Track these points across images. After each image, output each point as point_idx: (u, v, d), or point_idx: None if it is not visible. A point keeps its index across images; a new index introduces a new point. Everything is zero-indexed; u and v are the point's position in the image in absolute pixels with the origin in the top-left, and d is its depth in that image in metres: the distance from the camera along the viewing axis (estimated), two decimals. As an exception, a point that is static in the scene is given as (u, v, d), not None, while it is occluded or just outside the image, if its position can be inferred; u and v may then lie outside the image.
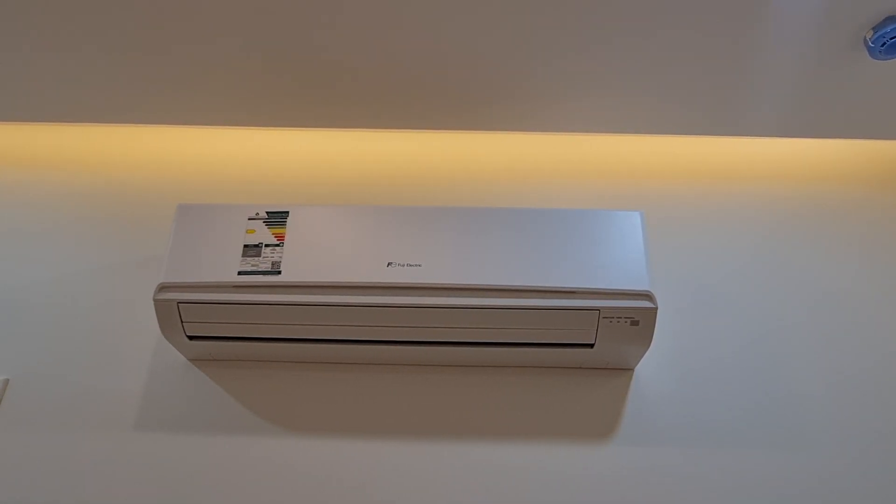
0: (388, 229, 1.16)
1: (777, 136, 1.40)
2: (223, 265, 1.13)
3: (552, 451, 1.18)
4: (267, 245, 1.15)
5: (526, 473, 1.16)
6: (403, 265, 1.12)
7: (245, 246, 1.15)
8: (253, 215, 1.17)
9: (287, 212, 1.18)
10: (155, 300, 1.12)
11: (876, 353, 1.27)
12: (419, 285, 1.11)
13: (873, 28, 1.13)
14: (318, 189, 1.43)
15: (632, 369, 1.25)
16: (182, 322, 1.14)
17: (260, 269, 1.12)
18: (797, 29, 1.15)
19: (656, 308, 1.10)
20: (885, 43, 1.12)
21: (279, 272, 1.12)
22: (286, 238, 1.15)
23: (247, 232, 1.16)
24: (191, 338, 1.17)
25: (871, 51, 1.14)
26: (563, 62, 1.22)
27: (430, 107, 1.33)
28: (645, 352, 1.17)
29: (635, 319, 1.11)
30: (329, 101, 1.32)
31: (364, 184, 1.44)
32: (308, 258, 1.13)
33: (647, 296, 1.11)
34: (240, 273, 1.12)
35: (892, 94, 1.27)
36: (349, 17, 1.14)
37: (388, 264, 1.12)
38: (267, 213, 1.18)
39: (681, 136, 1.43)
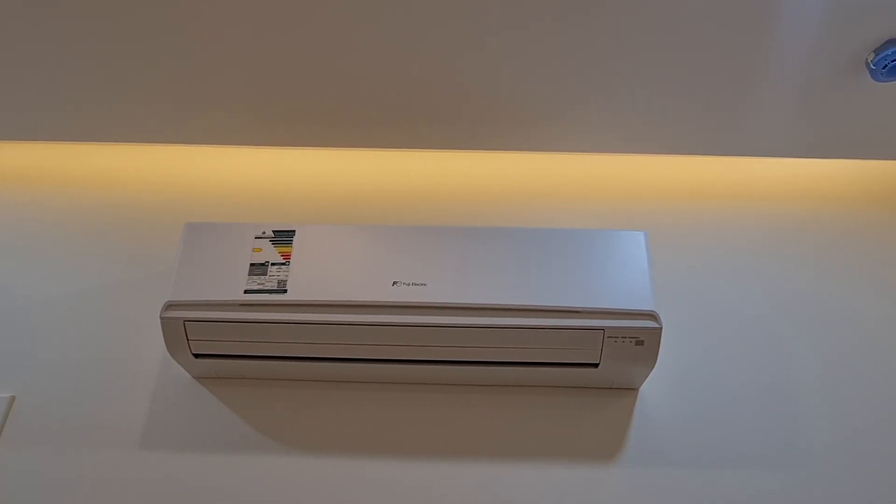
0: (393, 248, 1.17)
1: (780, 157, 1.41)
2: (230, 283, 1.13)
3: (556, 472, 1.17)
4: (273, 264, 1.15)
5: (529, 494, 1.15)
6: (408, 284, 1.13)
7: (251, 264, 1.15)
8: (259, 234, 1.18)
9: (293, 231, 1.19)
10: (161, 318, 1.12)
11: (885, 372, 1.26)
12: (424, 304, 1.11)
13: (875, 51, 1.14)
14: (324, 208, 1.44)
15: (636, 389, 1.24)
16: (188, 340, 1.14)
17: (266, 288, 1.13)
18: (799, 51, 1.16)
19: (661, 328, 1.11)
20: (886, 65, 1.13)
21: (285, 291, 1.13)
22: (292, 257, 1.16)
23: (253, 250, 1.17)
24: (196, 356, 1.17)
25: (872, 73, 1.15)
26: (568, 83, 1.23)
27: (436, 127, 1.34)
28: (650, 372, 1.17)
29: (640, 339, 1.11)
30: (335, 121, 1.34)
31: (370, 203, 1.45)
32: (314, 277, 1.14)
33: (652, 315, 1.11)
34: (246, 291, 1.13)
35: (893, 116, 1.27)
36: (356, 40, 1.16)
37: (394, 283, 1.13)
38: (273, 231, 1.19)
39: (684, 156, 1.43)
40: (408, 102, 1.28)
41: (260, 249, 1.17)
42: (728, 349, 1.29)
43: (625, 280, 1.13)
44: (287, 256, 1.16)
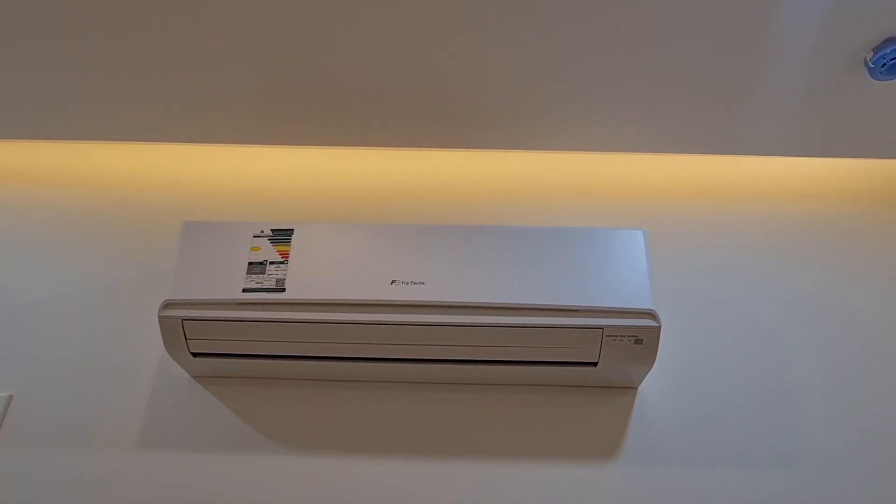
0: (392, 247, 1.16)
1: (779, 155, 1.41)
2: (228, 282, 1.13)
3: (554, 471, 1.17)
4: (271, 262, 1.15)
5: (528, 493, 1.15)
6: (407, 283, 1.13)
7: (250, 263, 1.15)
8: (258, 233, 1.18)
9: (292, 230, 1.18)
10: (160, 317, 1.12)
11: (884, 370, 1.26)
12: (423, 303, 1.11)
13: (873, 49, 1.14)
14: (322, 207, 1.44)
15: (635, 388, 1.24)
16: (186, 339, 1.14)
17: (264, 287, 1.13)
18: (799, 50, 1.16)
19: (660, 326, 1.10)
20: (885, 64, 1.13)
21: (283, 290, 1.12)
22: (290, 256, 1.16)
23: (252, 249, 1.16)
24: (195, 355, 1.17)
25: (871, 71, 1.15)
26: (566, 82, 1.23)
27: (434, 126, 1.34)
28: (649, 370, 1.17)
29: (639, 338, 1.11)
30: (333, 120, 1.33)
31: (368, 202, 1.45)
32: (312, 276, 1.14)
33: (651, 314, 1.11)
34: (244, 290, 1.13)
35: (892, 114, 1.27)
36: (354, 38, 1.15)
37: (392, 282, 1.13)
38: (272, 230, 1.18)
39: (683, 154, 1.43)
40: (406, 101, 1.28)
41: (258, 248, 1.16)
42: (727, 348, 1.29)
43: (624, 278, 1.13)
44: (285, 255, 1.16)
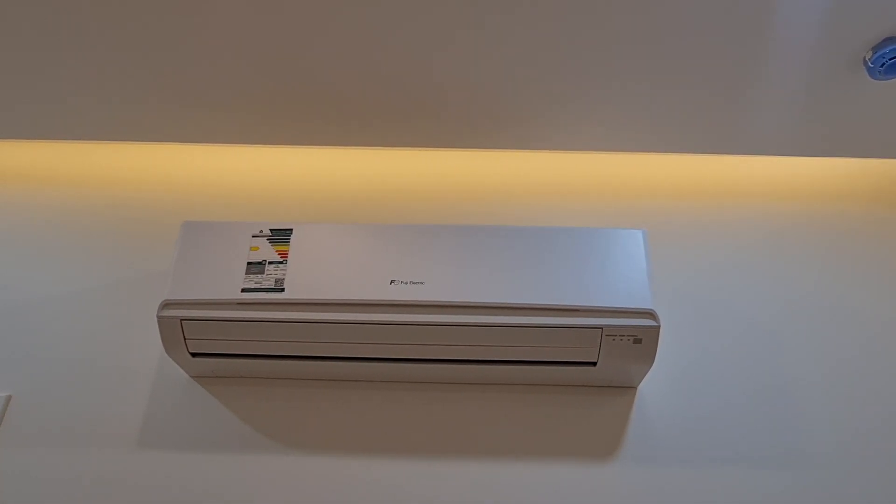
0: (391, 247, 1.16)
1: (778, 155, 1.41)
2: (227, 282, 1.13)
3: (554, 471, 1.17)
4: (270, 262, 1.15)
5: (528, 492, 1.15)
6: (406, 283, 1.13)
7: (249, 263, 1.15)
8: (257, 233, 1.18)
9: (291, 229, 1.18)
10: (158, 317, 1.12)
11: (884, 370, 1.26)
12: (422, 303, 1.11)
13: (872, 49, 1.14)
14: (321, 207, 1.44)
15: (635, 388, 1.24)
16: (185, 339, 1.14)
17: (263, 287, 1.13)
18: (798, 50, 1.16)
19: (659, 326, 1.10)
20: (884, 63, 1.13)
21: (282, 289, 1.12)
22: (289, 256, 1.16)
23: (250, 249, 1.16)
24: (194, 355, 1.17)
25: (870, 71, 1.15)
26: (566, 81, 1.23)
27: (433, 125, 1.34)
28: (648, 370, 1.17)
29: (638, 338, 1.11)
30: (333, 120, 1.33)
31: (368, 202, 1.45)
32: (311, 276, 1.14)
33: (650, 314, 1.11)
34: (243, 290, 1.13)
35: (892, 114, 1.27)
36: (354, 38, 1.15)
37: (391, 282, 1.13)
38: (271, 230, 1.18)
39: (683, 154, 1.43)
40: (406, 101, 1.28)
41: (257, 248, 1.16)
42: (727, 347, 1.28)
43: (623, 278, 1.13)
44: (284, 255, 1.16)
